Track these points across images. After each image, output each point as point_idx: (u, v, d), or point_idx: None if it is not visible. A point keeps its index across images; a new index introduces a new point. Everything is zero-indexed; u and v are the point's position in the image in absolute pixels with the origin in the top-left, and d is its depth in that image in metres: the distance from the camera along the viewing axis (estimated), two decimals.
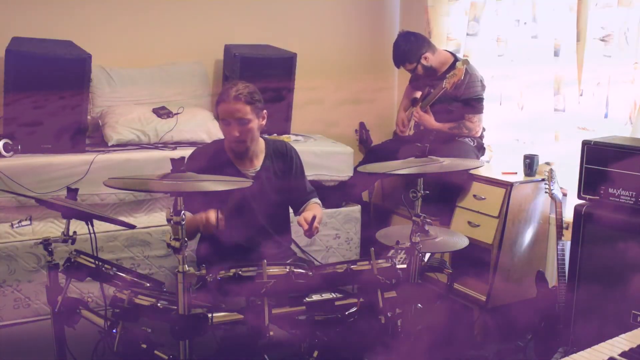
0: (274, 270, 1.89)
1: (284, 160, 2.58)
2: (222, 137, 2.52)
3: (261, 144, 2.54)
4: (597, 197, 2.53)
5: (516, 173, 3.21)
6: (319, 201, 2.69)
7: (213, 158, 2.46)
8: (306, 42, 4.01)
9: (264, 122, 2.45)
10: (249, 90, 2.36)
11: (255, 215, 2.49)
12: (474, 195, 3.21)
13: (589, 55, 2.97)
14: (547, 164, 3.21)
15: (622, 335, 1.58)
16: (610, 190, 2.48)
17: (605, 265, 2.48)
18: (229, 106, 2.34)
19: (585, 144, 2.57)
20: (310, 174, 3.37)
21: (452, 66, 3.34)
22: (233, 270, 1.87)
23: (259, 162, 2.50)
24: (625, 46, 2.80)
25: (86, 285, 2.81)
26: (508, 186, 3.05)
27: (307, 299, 1.97)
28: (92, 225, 2.06)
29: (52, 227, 2.89)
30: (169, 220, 1.76)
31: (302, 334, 1.95)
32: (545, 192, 2.84)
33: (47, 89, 2.89)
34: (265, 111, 2.44)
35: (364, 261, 1.99)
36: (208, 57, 3.83)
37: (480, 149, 3.48)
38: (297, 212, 2.63)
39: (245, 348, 1.96)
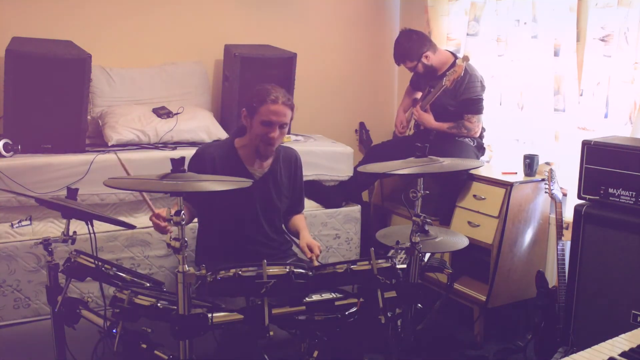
0: (274, 270, 1.89)
1: (291, 168, 2.59)
2: (222, 138, 2.51)
3: None
4: (597, 197, 2.53)
5: (516, 173, 3.21)
6: (303, 215, 2.73)
7: (223, 156, 2.46)
8: (306, 42, 4.01)
9: None
10: (288, 96, 2.40)
11: (258, 216, 2.50)
12: (474, 195, 3.21)
13: (589, 55, 2.98)
14: (547, 164, 3.21)
15: (622, 335, 1.59)
16: (610, 190, 2.48)
17: (605, 265, 2.48)
18: (279, 109, 2.34)
19: (585, 144, 2.57)
20: (310, 174, 3.38)
21: (453, 65, 3.35)
22: (233, 270, 1.87)
23: (267, 165, 2.51)
24: (625, 46, 2.80)
25: (86, 285, 2.81)
26: (508, 186, 3.05)
27: (307, 299, 1.97)
28: (92, 225, 2.06)
29: (52, 227, 2.89)
30: (168, 221, 1.76)
31: (302, 334, 1.95)
32: (545, 192, 2.84)
33: (47, 89, 2.90)
34: None
35: (364, 261, 1.99)
36: (208, 57, 3.83)
37: (480, 149, 3.48)
38: (284, 221, 2.66)
39: (245, 348, 1.97)
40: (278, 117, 2.35)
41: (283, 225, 2.65)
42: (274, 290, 1.85)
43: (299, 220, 2.65)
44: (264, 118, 2.35)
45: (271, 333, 1.85)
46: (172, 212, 1.76)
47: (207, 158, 2.44)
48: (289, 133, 3.68)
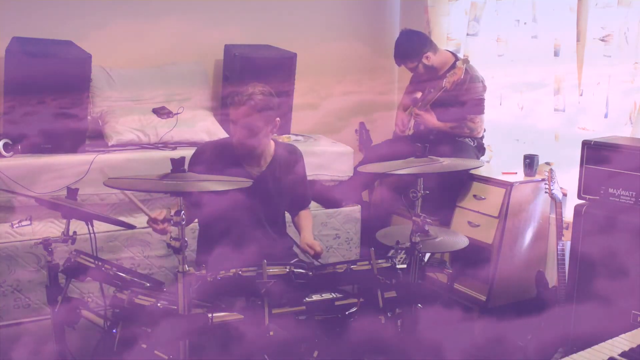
0: (274, 270, 1.89)
1: (291, 164, 2.57)
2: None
3: (271, 146, 2.52)
4: (597, 197, 2.53)
5: (516, 173, 3.21)
6: (309, 212, 2.71)
7: (221, 154, 2.45)
8: (306, 42, 4.01)
9: (275, 129, 2.42)
10: (264, 97, 2.31)
11: (257, 215, 2.49)
12: (474, 195, 3.21)
13: (589, 55, 2.97)
14: (547, 164, 3.21)
15: (622, 335, 1.59)
16: (610, 190, 2.48)
17: (605, 265, 2.48)
18: (238, 111, 2.30)
19: (585, 144, 2.57)
20: (310, 174, 3.36)
21: (453, 66, 3.34)
22: (233, 270, 1.87)
23: (265, 163, 2.49)
24: (625, 46, 2.81)
25: (86, 285, 2.81)
26: (508, 186, 3.05)
27: (307, 299, 1.97)
28: (92, 225, 2.06)
29: (52, 227, 2.89)
30: (168, 220, 1.77)
31: (302, 334, 1.95)
32: (545, 192, 2.84)
33: (47, 89, 2.89)
34: (278, 119, 2.40)
35: (364, 261, 1.99)
36: (208, 57, 3.83)
37: (481, 149, 3.47)
38: (292, 216, 2.66)
39: (245, 348, 1.96)
40: (238, 119, 2.31)
41: (291, 220, 2.66)
42: (274, 290, 1.85)
43: (303, 218, 2.63)
44: (230, 118, 2.34)
45: (271, 333, 1.85)
46: (172, 212, 1.76)
47: (205, 156, 2.43)
48: (289, 133, 3.69)
